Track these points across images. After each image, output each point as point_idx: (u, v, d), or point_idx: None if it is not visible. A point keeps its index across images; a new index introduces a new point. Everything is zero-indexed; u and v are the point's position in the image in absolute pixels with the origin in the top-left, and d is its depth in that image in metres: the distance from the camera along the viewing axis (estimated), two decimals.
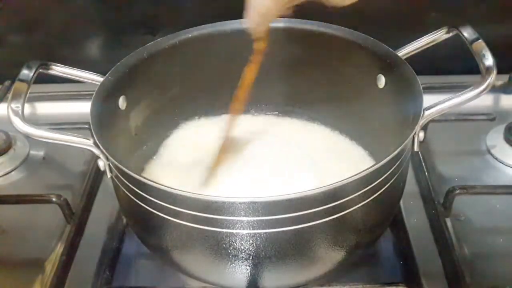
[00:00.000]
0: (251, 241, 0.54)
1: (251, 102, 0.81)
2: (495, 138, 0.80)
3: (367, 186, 0.55)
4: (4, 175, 0.81)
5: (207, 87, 0.78)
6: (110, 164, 0.59)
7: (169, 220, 0.55)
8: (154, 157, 0.76)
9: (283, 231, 0.53)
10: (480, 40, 0.62)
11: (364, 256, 0.65)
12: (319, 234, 0.55)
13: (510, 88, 0.89)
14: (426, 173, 0.75)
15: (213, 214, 0.53)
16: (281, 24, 0.73)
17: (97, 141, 0.58)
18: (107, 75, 0.66)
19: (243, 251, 0.55)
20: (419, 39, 0.68)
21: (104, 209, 0.74)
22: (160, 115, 0.76)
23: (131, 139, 0.72)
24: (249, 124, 0.78)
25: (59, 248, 0.69)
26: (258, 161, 0.71)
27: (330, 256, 0.58)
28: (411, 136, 0.58)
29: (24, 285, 0.66)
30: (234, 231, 0.53)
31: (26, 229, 0.73)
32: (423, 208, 0.72)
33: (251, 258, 0.56)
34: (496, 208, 0.72)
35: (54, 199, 0.71)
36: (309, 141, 0.77)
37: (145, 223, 0.59)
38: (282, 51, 0.75)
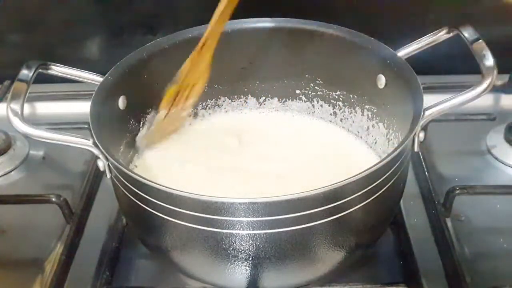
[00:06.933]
0: (251, 242, 0.54)
1: (250, 102, 0.81)
2: (495, 138, 0.80)
3: (367, 187, 0.55)
4: (4, 175, 0.81)
5: (206, 86, 0.78)
6: (110, 164, 0.59)
7: (169, 220, 0.55)
8: None
9: (283, 231, 0.53)
10: (480, 40, 0.62)
11: (364, 256, 0.65)
12: (319, 234, 0.55)
13: (510, 88, 0.89)
14: (426, 173, 0.75)
15: (213, 215, 0.53)
16: (281, 24, 0.73)
17: (96, 141, 0.57)
18: (107, 75, 0.66)
19: (243, 251, 0.55)
20: (419, 39, 0.68)
21: (104, 209, 0.74)
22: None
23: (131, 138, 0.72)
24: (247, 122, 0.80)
25: (59, 248, 0.69)
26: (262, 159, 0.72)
27: (330, 257, 0.58)
28: (411, 136, 0.57)
29: (24, 285, 0.66)
30: (234, 231, 0.53)
31: (26, 229, 0.73)
32: (423, 208, 0.72)
33: (251, 258, 0.56)
34: (496, 208, 0.72)
35: (53, 199, 0.71)
36: (311, 138, 0.78)
37: (145, 223, 0.59)
38: (282, 51, 0.75)
